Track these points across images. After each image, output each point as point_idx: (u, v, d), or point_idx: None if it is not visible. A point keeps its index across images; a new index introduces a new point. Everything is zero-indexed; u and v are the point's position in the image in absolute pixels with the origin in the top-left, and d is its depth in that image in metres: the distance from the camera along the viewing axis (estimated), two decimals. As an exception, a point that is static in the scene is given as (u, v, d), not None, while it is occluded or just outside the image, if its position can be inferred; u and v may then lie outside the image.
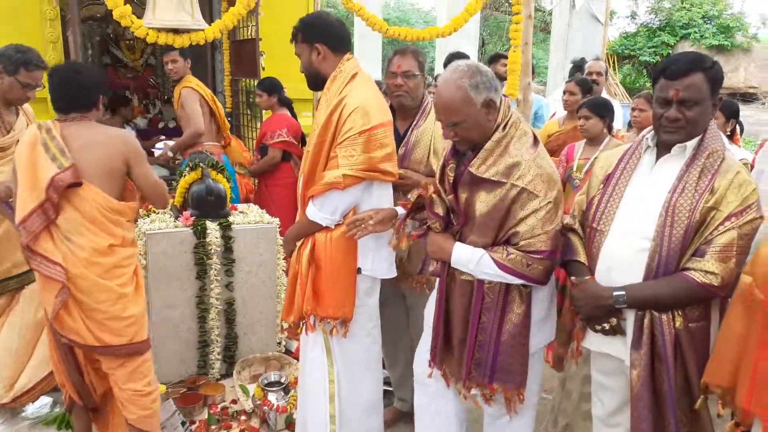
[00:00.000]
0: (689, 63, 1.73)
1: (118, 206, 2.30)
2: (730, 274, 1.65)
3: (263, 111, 4.85)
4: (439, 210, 2.02)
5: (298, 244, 2.33)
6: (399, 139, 2.59)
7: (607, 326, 1.82)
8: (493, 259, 1.88)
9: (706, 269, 1.65)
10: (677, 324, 1.72)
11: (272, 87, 4.45)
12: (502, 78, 4.99)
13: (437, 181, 2.06)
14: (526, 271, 1.87)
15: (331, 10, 18.01)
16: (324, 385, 2.36)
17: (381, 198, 2.29)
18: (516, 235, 1.87)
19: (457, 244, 1.97)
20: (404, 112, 2.64)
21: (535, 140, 1.96)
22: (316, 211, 2.22)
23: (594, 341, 1.94)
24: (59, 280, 2.16)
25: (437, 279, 2.11)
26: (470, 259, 1.92)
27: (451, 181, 1.99)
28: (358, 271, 2.27)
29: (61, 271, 2.17)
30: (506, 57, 5.16)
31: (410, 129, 2.61)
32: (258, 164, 4.47)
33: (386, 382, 3.07)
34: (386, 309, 2.64)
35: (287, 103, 4.55)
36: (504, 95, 1.99)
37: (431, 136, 2.59)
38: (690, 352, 1.71)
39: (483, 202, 1.89)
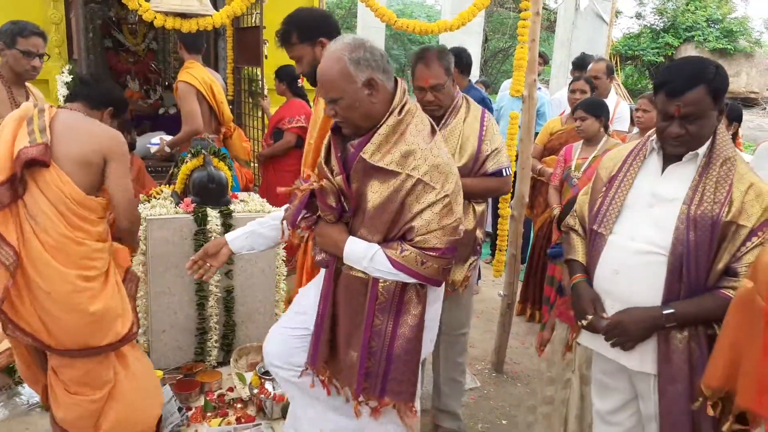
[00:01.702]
0: (689, 79, 1.68)
1: (84, 199, 2.18)
2: None
3: (268, 98, 4.86)
4: (332, 201, 1.83)
5: (306, 234, 2.32)
6: None
7: (584, 322, 1.83)
8: (386, 255, 1.74)
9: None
10: (709, 332, 1.71)
11: (284, 75, 4.52)
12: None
13: (323, 162, 1.88)
14: (420, 269, 1.74)
15: (332, 1, 17.95)
16: None
17: None
18: (411, 230, 1.73)
19: (351, 238, 1.81)
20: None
21: (433, 129, 1.85)
22: None
23: (591, 341, 1.94)
24: (4, 263, 2.08)
25: (324, 271, 1.95)
26: (364, 255, 1.76)
27: (341, 164, 1.82)
28: None
29: (12, 255, 2.09)
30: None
31: (439, 128, 2.49)
32: (272, 147, 4.49)
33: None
34: None
35: (301, 95, 4.61)
36: (397, 77, 1.85)
37: (459, 134, 2.53)
38: None
39: (376, 192, 1.74)
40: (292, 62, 2.42)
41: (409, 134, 1.76)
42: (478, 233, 2.61)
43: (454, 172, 1.80)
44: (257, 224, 2.14)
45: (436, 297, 1.95)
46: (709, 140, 1.76)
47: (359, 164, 1.75)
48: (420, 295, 1.81)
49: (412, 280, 1.77)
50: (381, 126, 1.74)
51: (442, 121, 2.53)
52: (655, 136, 1.87)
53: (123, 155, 2.28)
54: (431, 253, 1.74)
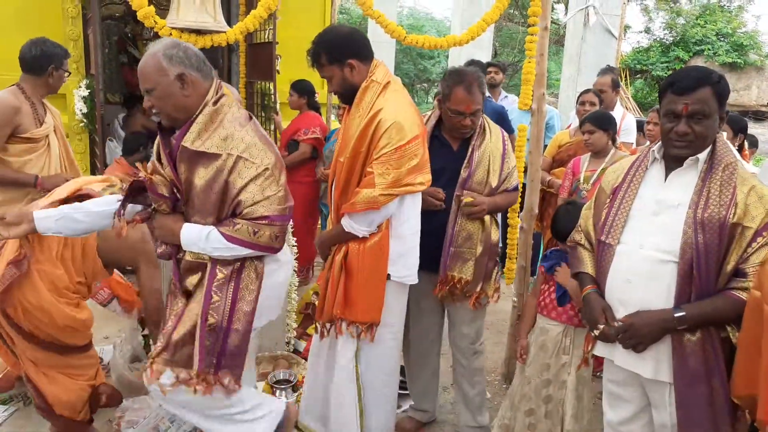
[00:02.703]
0: (697, 78, 1.74)
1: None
2: None
3: (280, 113, 4.93)
4: (164, 190, 1.95)
5: (333, 249, 2.35)
6: (453, 156, 2.59)
7: (596, 332, 1.86)
8: (221, 232, 1.88)
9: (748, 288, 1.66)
10: (723, 335, 1.73)
11: (304, 89, 4.62)
12: (493, 85, 5.09)
13: (155, 159, 2.01)
14: (253, 239, 1.88)
15: (344, 17, 18.14)
16: (353, 389, 2.40)
17: (411, 207, 2.30)
18: (239, 204, 1.89)
19: (186, 224, 1.94)
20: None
21: (249, 117, 2.01)
22: (353, 224, 2.23)
23: (605, 350, 1.96)
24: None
25: (171, 261, 2.06)
26: (199, 237, 1.90)
27: (169, 158, 1.95)
28: (388, 277, 2.29)
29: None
30: (497, 65, 5.30)
31: (471, 149, 2.56)
32: (288, 158, 4.56)
33: (401, 387, 3.11)
34: (423, 320, 2.72)
35: (316, 108, 4.70)
36: (216, 77, 2.00)
37: (490, 153, 2.57)
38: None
39: (202, 177, 1.89)
40: (307, 76, 2.47)
41: (227, 121, 1.92)
42: (500, 244, 2.71)
43: (273, 150, 1.97)
44: (72, 209, 2.07)
45: (277, 268, 2.09)
46: (710, 146, 1.79)
47: (183, 153, 1.89)
48: (258, 271, 1.97)
49: (248, 251, 1.90)
50: (198, 116, 1.90)
51: (472, 142, 2.56)
52: (656, 146, 1.90)
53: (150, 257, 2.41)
54: (261, 222, 1.89)
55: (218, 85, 1.97)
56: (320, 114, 4.82)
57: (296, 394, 2.93)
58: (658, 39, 17.52)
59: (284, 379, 3.05)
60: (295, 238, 3.42)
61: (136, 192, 2.02)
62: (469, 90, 2.43)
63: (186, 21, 3.76)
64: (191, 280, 1.96)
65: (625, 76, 15.25)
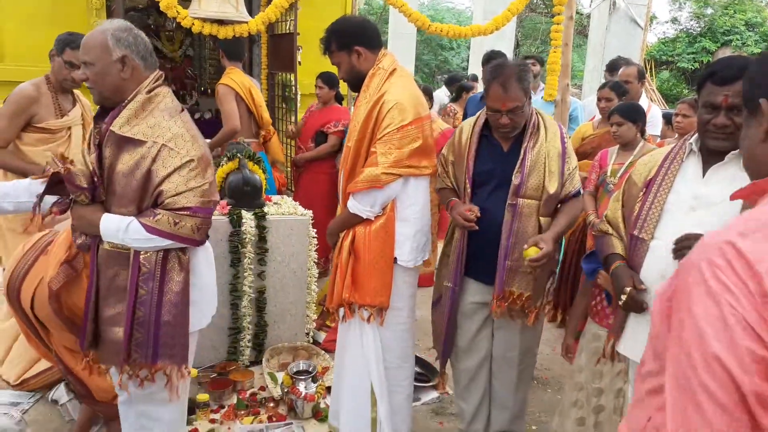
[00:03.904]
0: (739, 69, 1.65)
1: None
2: None
3: (297, 106, 4.93)
4: (82, 181, 1.89)
5: (341, 235, 2.39)
6: (504, 158, 2.33)
7: (624, 297, 1.77)
8: (141, 223, 1.83)
9: None
10: None
11: (333, 81, 4.60)
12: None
13: (85, 146, 1.98)
14: (174, 230, 1.84)
15: (366, 8, 18.08)
16: (365, 376, 2.41)
17: (417, 190, 2.33)
18: (161, 194, 1.84)
19: (106, 214, 1.89)
20: None
21: (183, 110, 1.98)
22: (357, 204, 2.28)
23: (631, 350, 1.90)
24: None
25: (89, 252, 1.99)
26: (119, 227, 1.85)
27: (97, 143, 1.91)
28: (395, 260, 2.32)
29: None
30: (534, 57, 5.18)
31: (523, 152, 2.28)
32: (316, 150, 4.57)
33: (418, 379, 3.09)
34: (472, 333, 2.49)
35: (340, 100, 4.71)
36: (157, 69, 1.98)
37: (545, 156, 2.27)
38: None
39: (125, 163, 1.85)
40: (330, 68, 2.47)
41: (158, 111, 1.90)
42: (557, 256, 2.45)
43: (201, 142, 1.93)
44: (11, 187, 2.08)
45: (203, 262, 2.06)
46: None
47: (110, 138, 1.87)
48: (182, 262, 1.93)
49: (168, 242, 1.86)
50: (130, 102, 1.88)
51: (524, 145, 2.29)
52: (693, 138, 1.84)
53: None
54: (183, 213, 1.85)
55: (157, 75, 1.96)
56: (345, 106, 4.82)
57: (316, 384, 2.94)
58: (684, 29, 17.17)
59: (304, 369, 3.06)
60: (315, 230, 3.42)
61: (54, 184, 1.98)
62: (505, 86, 2.19)
63: (208, 11, 3.77)
64: (111, 273, 1.92)
65: (651, 68, 14.97)
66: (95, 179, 1.90)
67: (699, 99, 1.77)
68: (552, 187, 2.26)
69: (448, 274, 2.43)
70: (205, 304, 2.12)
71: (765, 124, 0.95)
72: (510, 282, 2.29)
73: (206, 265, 2.11)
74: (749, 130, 0.97)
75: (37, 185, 1.99)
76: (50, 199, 1.99)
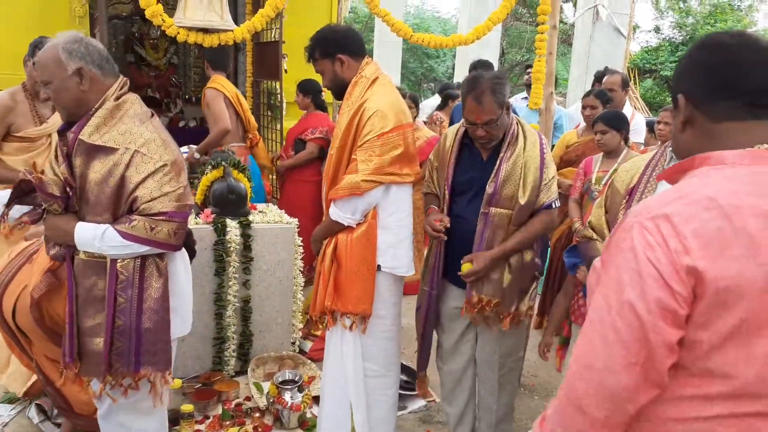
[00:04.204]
0: None
1: None
2: None
3: (283, 113, 4.92)
4: (55, 190, 1.86)
5: (324, 243, 2.39)
6: (482, 167, 2.35)
7: None
8: (116, 230, 1.81)
9: None
10: None
11: (309, 88, 4.58)
12: (529, 85, 5.01)
13: (53, 157, 1.94)
14: (151, 235, 1.82)
15: (351, 16, 18.13)
16: (345, 384, 2.40)
17: (399, 198, 2.34)
18: (136, 200, 1.83)
19: (80, 223, 1.86)
20: None
21: (152, 114, 1.96)
22: (337, 212, 2.29)
23: None
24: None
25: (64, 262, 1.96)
26: (94, 235, 1.82)
27: (65, 153, 1.88)
28: (378, 268, 2.32)
29: None
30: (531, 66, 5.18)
31: (498, 161, 2.29)
32: (295, 157, 4.54)
33: (405, 387, 3.08)
34: (455, 337, 2.52)
35: (323, 107, 4.67)
36: (119, 75, 1.97)
37: (522, 166, 2.28)
38: None
39: (97, 172, 1.82)
40: (314, 76, 2.48)
41: (127, 117, 1.88)
42: (537, 260, 2.45)
43: (173, 147, 1.92)
44: None
45: (181, 269, 2.04)
46: None
47: (80, 146, 1.84)
48: (160, 268, 1.91)
49: (145, 249, 1.84)
50: (97, 110, 1.85)
51: (500, 155, 2.30)
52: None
53: None
54: (159, 218, 1.83)
55: (122, 82, 1.94)
56: (327, 113, 4.78)
57: (302, 394, 2.92)
58: (667, 38, 17.42)
59: (290, 379, 3.03)
60: (301, 238, 3.41)
61: (23, 193, 1.96)
62: (479, 99, 2.22)
63: (193, 20, 3.76)
64: (88, 283, 1.88)
65: (634, 76, 15.15)
66: (68, 188, 1.87)
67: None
68: (524, 198, 2.27)
69: (427, 278, 2.49)
70: (185, 311, 2.10)
71: (681, 116, 1.09)
72: (479, 289, 2.32)
73: (184, 272, 2.09)
74: (674, 122, 1.13)
75: (5, 194, 1.97)
76: (25, 209, 1.97)
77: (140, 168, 1.82)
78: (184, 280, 2.09)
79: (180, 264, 2.05)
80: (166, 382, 1.95)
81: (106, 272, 1.86)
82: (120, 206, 1.85)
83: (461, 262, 2.29)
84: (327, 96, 4.50)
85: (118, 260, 1.85)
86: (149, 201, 1.82)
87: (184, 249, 2.07)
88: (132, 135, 1.84)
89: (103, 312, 1.86)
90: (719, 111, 1.03)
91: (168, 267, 1.95)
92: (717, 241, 0.90)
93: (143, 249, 1.84)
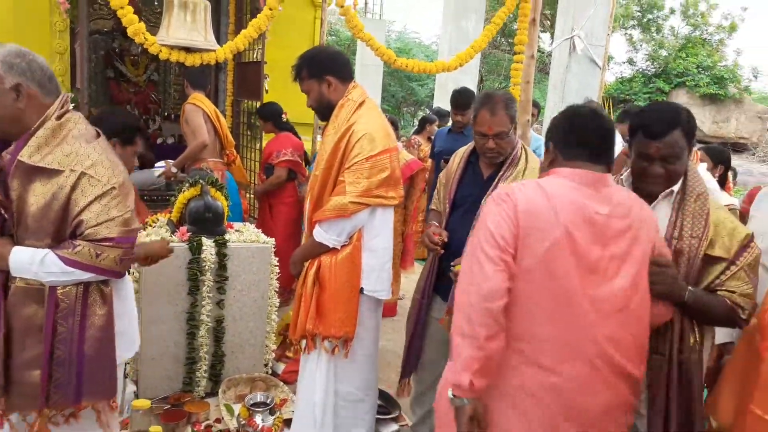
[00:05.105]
0: (668, 123, 1.76)
1: None
2: (753, 305, 1.73)
3: (263, 133, 4.94)
4: None
5: (306, 265, 2.38)
6: (481, 184, 2.44)
7: None
8: (58, 255, 1.69)
9: (735, 300, 1.72)
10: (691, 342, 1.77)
11: (267, 114, 4.57)
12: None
13: None
14: (95, 262, 1.71)
15: (333, 39, 18.29)
16: (319, 408, 2.38)
17: (383, 221, 2.35)
18: (81, 224, 1.72)
19: (16, 248, 1.73)
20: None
21: (98, 134, 1.86)
22: (323, 233, 2.29)
23: None
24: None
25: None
26: (32, 260, 1.70)
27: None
28: (361, 290, 2.32)
29: None
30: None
31: (497, 180, 2.39)
32: (264, 184, 4.53)
33: (379, 412, 3.04)
34: (436, 345, 2.56)
35: (287, 128, 4.65)
36: (64, 92, 1.86)
37: None
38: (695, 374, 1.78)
39: (39, 195, 1.70)
40: (296, 97, 2.49)
41: (71, 137, 1.77)
42: None
43: (121, 169, 1.82)
44: None
45: (129, 287, 1.99)
46: (682, 177, 1.84)
47: (18, 168, 1.72)
48: (105, 295, 1.80)
49: (88, 275, 1.74)
50: (38, 129, 1.75)
51: (500, 173, 2.41)
52: (625, 175, 1.93)
53: None
54: (106, 244, 1.73)
55: (64, 99, 1.83)
56: (295, 133, 4.75)
57: (274, 417, 2.88)
58: (640, 70, 17.91)
59: (262, 401, 3.00)
60: (277, 258, 3.40)
61: None
62: (493, 111, 2.32)
63: (176, 38, 3.76)
64: (28, 312, 1.75)
65: (609, 105, 15.51)
66: (2, 212, 1.76)
67: (632, 147, 1.86)
68: None
69: (419, 287, 2.55)
70: (132, 331, 2.02)
71: (548, 158, 1.76)
72: None
73: (131, 289, 2.04)
74: (544, 157, 1.82)
75: None
76: None
77: (87, 191, 1.72)
78: (130, 299, 2.01)
79: (127, 282, 1.98)
80: (112, 410, 1.86)
81: (45, 299, 1.73)
82: (63, 230, 1.74)
83: (452, 264, 2.28)
84: (302, 115, 4.52)
85: (59, 287, 1.74)
86: (95, 225, 1.72)
87: None
88: (78, 156, 1.74)
89: (42, 343, 1.73)
90: (568, 154, 1.69)
91: (114, 290, 1.85)
92: (535, 208, 1.55)
93: (86, 276, 1.74)
